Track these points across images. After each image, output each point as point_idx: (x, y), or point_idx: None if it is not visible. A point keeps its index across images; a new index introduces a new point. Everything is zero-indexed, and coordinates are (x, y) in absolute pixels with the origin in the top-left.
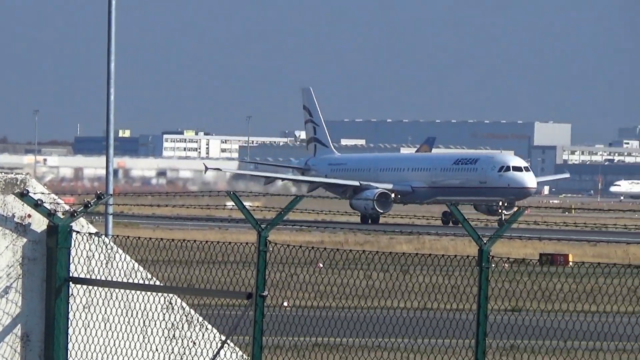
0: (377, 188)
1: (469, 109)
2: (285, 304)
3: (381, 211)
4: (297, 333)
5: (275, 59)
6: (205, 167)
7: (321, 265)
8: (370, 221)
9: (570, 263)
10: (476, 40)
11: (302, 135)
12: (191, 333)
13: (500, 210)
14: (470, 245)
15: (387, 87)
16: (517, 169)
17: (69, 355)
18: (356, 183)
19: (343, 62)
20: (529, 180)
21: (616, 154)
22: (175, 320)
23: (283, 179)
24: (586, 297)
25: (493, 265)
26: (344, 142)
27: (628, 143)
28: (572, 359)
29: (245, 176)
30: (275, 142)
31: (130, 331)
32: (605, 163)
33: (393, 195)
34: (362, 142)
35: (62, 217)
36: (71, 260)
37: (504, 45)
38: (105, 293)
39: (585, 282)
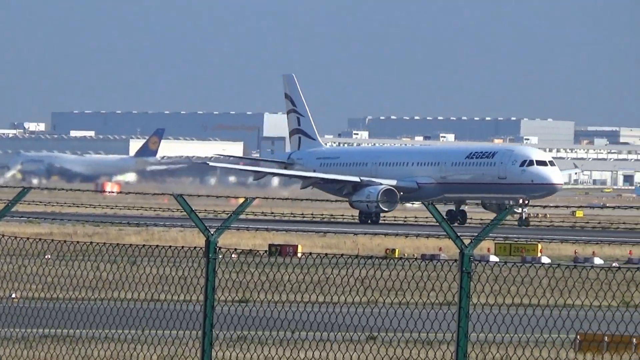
0: (380, 184)
1: (199, 100)
2: (14, 295)
3: (386, 209)
4: (26, 325)
5: (2, 47)
6: (206, 163)
7: (49, 257)
8: (370, 221)
9: (300, 254)
10: (207, 34)
11: (31, 127)
12: None
13: (521, 209)
14: (199, 236)
15: (116, 79)
16: (542, 163)
17: None
18: (356, 179)
19: (67, 55)
20: (555, 175)
21: (345, 144)
22: None
23: (274, 174)
24: (313, 287)
25: (220, 256)
26: (73, 133)
27: (357, 134)
28: (299, 349)
29: None
30: (4, 133)
31: None
32: None
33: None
34: (91, 133)
35: None
36: None
37: (233, 37)
38: None
39: (313, 273)
